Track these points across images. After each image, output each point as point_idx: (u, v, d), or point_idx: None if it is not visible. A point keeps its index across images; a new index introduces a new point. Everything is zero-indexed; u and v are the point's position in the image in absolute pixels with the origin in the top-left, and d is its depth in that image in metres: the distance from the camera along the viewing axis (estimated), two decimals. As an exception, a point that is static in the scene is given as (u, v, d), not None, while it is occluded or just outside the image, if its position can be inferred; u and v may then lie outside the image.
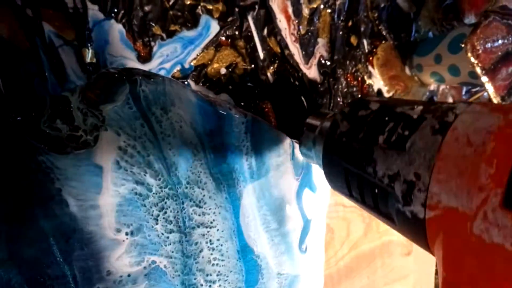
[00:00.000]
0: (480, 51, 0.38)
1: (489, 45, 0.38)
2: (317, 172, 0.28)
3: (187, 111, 0.23)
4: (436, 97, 0.50)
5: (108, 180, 0.22)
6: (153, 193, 0.23)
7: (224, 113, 0.24)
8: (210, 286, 0.25)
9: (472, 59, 0.37)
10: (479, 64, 0.38)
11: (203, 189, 0.24)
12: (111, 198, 0.22)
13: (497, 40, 0.39)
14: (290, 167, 0.27)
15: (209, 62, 0.36)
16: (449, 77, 0.44)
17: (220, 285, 0.25)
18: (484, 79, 0.38)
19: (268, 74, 0.39)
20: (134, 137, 0.22)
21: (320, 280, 0.29)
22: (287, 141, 0.27)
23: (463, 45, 0.38)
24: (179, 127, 0.23)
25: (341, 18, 0.43)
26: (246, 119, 0.25)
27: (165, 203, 0.23)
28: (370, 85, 0.45)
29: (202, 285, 0.25)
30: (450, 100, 0.51)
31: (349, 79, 0.44)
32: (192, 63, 0.35)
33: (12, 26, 0.29)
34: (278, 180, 0.26)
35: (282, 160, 0.26)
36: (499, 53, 0.39)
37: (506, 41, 0.39)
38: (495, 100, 0.39)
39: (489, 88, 0.39)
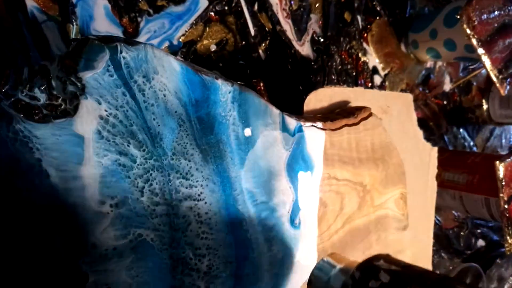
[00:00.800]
0: (476, 23, 0.37)
1: (485, 16, 0.37)
2: (310, 144, 0.27)
3: (171, 79, 0.23)
4: (433, 74, 0.49)
5: (90, 150, 0.21)
6: (138, 165, 0.22)
7: (210, 82, 0.24)
8: (199, 260, 0.25)
9: (468, 31, 0.37)
10: (475, 36, 0.37)
11: (189, 161, 0.24)
12: (94, 169, 0.21)
13: (493, 11, 0.38)
14: (279, 138, 0.26)
15: (198, 39, 0.35)
16: (445, 52, 0.43)
17: (210, 259, 0.25)
18: (481, 51, 0.37)
19: (260, 51, 0.38)
20: (116, 106, 0.21)
21: (313, 254, 0.29)
22: (276, 111, 0.26)
23: (458, 17, 0.37)
24: (163, 96, 0.22)
25: (334, -7, 0.42)
26: (233, 87, 0.24)
27: (151, 174, 0.23)
28: (365, 62, 0.45)
29: (191, 259, 0.24)
30: (447, 77, 0.51)
31: (343, 56, 0.43)
32: (180, 40, 0.34)
33: (-7, 1, 0.28)
34: (266, 151, 0.26)
35: (271, 130, 0.26)
36: (496, 25, 0.38)
37: (502, 12, 0.38)
38: (492, 73, 0.39)
39: (486, 60, 0.38)
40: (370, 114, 0.30)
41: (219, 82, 0.24)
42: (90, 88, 0.21)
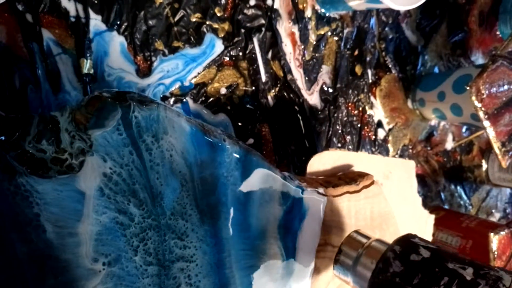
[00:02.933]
0: (484, 95, 0.37)
1: (494, 89, 0.38)
2: (310, 210, 0.27)
3: (180, 140, 0.23)
4: (436, 132, 0.50)
5: (89, 207, 0.21)
6: (135, 223, 0.22)
7: (218, 143, 0.24)
8: (186, 322, 0.24)
9: (476, 103, 0.37)
10: (483, 109, 0.37)
11: (186, 221, 0.23)
12: (91, 226, 0.21)
13: (503, 85, 0.38)
14: (277, 198, 0.26)
15: (210, 81, 0.35)
16: (450, 116, 0.43)
17: (197, 323, 0.25)
18: (486, 123, 0.38)
19: (269, 97, 0.39)
20: (121, 165, 0.21)
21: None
22: (278, 176, 0.26)
23: (468, 88, 0.37)
24: (169, 156, 0.22)
25: (348, 46, 0.42)
26: (240, 150, 0.24)
27: (147, 234, 0.22)
28: (370, 116, 0.45)
29: (178, 320, 0.24)
30: (450, 136, 0.51)
31: (349, 108, 0.43)
32: (192, 81, 0.34)
33: (10, 30, 0.28)
34: (262, 210, 0.26)
35: (270, 191, 0.26)
36: (504, 99, 0.38)
37: (510, 86, 0.39)
38: (495, 145, 0.39)
39: (491, 132, 0.38)
40: (372, 183, 0.30)
41: (227, 143, 0.24)
42: (97, 145, 0.21)
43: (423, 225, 0.37)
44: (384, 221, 0.31)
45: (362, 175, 0.30)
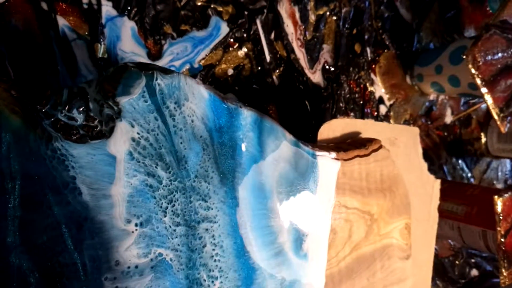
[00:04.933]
0: (480, 63, 0.39)
1: (489, 57, 0.39)
2: (323, 172, 0.28)
3: (200, 106, 0.24)
4: (435, 107, 0.51)
5: (121, 170, 0.22)
6: (163, 186, 0.23)
7: (235, 109, 0.25)
8: (212, 281, 0.25)
9: (473, 70, 0.38)
10: (479, 75, 0.39)
11: (209, 184, 0.25)
12: (123, 189, 0.22)
13: (497, 53, 0.40)
14: (290, 160, 0.27)
15: (217, 63, 0.37)
16: (449, 87, 0.45)
17: (221, 282, 0.26)
18: (484, 90, 0.39)
19: (274, 77, 0.40)
20: (148, 130, 0.22)
21: (321, 280, 0.30)
22: (290, 137, 0.27)
23: (464, 57, 0.39)
24: (191, 122, 0.24)
25: (346, 26, 0.44)
26: (254, 113, 0.26)
27: (174, 196, 0.24)
28: (371, 92, 0.46)
29: (205, 280, 0.25)
30: (449, 110, 0.52)
31: (351, 86, 0.45)
32: (201, 63, 0.36)
33: (28, 18, 0.30)
34: (275, 169, 0.27)
35: (283, 152, 0.27)
36: (499, 66, 0.40)
37: (506, 54, 0.40)
38: (494, 111, 0.40)
39: (488, 99, 0.40)
40: (380, 147, 0.31)
41: (243, 109, 0.25)
42: (125, 112, 0.22)
43: (430, 190, 0.38)
44: (394, 184, 0.32)
45: (370, 140, 0.31)
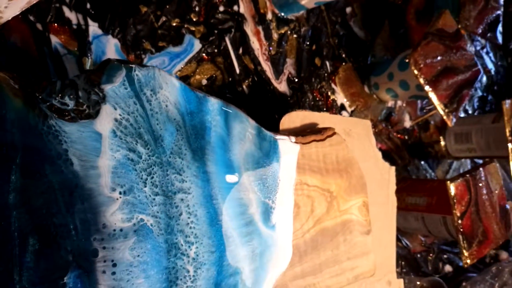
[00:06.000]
0: (421, 65, 0.45)
1: (429, 60, 0.45)
2: (284, 153, 0.33)
3: (172, 93, 0.28)
4: (394, 113, 0.57)
5: (106, 145, 0.26)
6: (143, 160, 0.27)
7: (203, 97, 0.30)
8: (189, 246, 0.29)
9: (416, 72, 0.44)
10: (422, 76, 0.44)
11: (183, 159, 0.29)
12: (108, 161, 0.26)
13: (437, 57, 0.46)
14: (254, 139, 0.32)
15: (192, 74, 0.42)
16: (400, 91, 0.51)
17: (197, 247, 0.29)
18: (427, 88, 0.45)
19: (244, 87, 0.45)
20: (128, 112, 0.27)
21: (289, 250, 0.33)
22: (253, 122, 0.32)
23: (407, 60, 0.45)
24: (165, 106, 0.28)
25: (306, 42, 0.50)
26: (220, 101, 0.30)
27: (152, 169, 0.28)
28: (334, 100, 0.52)
29: (182, 245, 0.29)
30: (407, 115, 0.58)
31: (315, 94, 0.50)
32: (177, 74, 0.41)
33: (25, 37, 0.35)
34: (241, 147, 0.31)
35: (247, 134, 0.32)
36: (439, 67, 0.46)
37: (444, 57, 0.46)
38: (439, 107, 0.46)
39: (433, 96, 0.45)
40: (334, 133, 0.36)
41: (210, 97, 0.30)
42: (109, 97, 0.26)
43: (386, 175, 0.43)
44: (349, 165, 0.36)
45: (325, 128, 0.36)
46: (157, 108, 0.28)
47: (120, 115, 0.27)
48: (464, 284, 0.57)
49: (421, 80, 0.45)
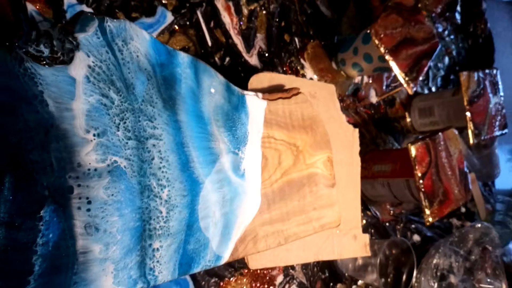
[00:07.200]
0: (382, 35, 0.48)
1: (388, 31, 0.48)
2: (251, 106, 0.35)
3: (143, 45, 0.30)
4: (360, 88, 0.60)
5: (80, 89, 0.28)
6: (115, 106, 0.29)
7: (173, 51, 0.32)
8: (161, 189, 0.31)
9: (376, 41, 0.47)
10: (382, 45, 0.47)
11: (154, 107, 0.31)
12: (82, 105, 0.28)
13: (396, 28, 0.49)
14: (223, 92, 0.34)
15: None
16: (365, 65, 0.54)
17: (169, 190, 0.31)
18: (388, 57, 0.48)
19: (216, 59, 0.47)
20: (101, 60, 0.29)
21: (257, 198, 0.35)
22: (222, 77, 0.34)
23: (368, 31, 0.48)
24: (136, 56, 0.30)
25: (275, 19, 0.53)
26: (189, 55, 0.32)
27: (125, 115, 0.29)
28: (303, 75, 0.54)
29: (155, 187, 0.30)
30: (373, 91, 0.61)
31: (285, 69, 0.53)
32: (150, 43, 0.43)
33: (1, 3, 0.36)
34: (210, 100, 0.33)
35: (216, 86, 0.34)
36: (399, 38, 0.49)
37: (403, 29, 0.49)
38: (400, 75, 0.49)
39: (393, 65, 0.48)
40: (300, 92, 0.38)
41: (179, 52, 0.32)
42: (82, 45, 0.28)
43: (350, 137, 0.45)
44: (314, 122, 0.39)
45: (291, 88, 0.38)
46: (129, 57, 0.30)
47: (93, 62, 0.28)
48: (432, 250, 0.60)
49: (382, 50, 0.48)
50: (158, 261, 0.30)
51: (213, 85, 0.34)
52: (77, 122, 0.28)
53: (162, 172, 0.31)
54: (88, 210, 0.28)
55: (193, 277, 0.42)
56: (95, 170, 0.28)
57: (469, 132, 0.56)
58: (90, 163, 0.28)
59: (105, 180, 0.28)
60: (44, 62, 0.27)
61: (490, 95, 0.60)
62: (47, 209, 0.26)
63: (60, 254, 0.26)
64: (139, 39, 0.30)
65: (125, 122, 0.29)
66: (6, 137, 0.25)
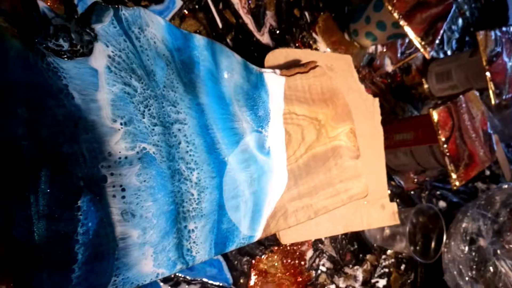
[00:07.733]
0: (395, 1, 0.47)
1: (401, -4, 0.47)
2: (271, 84, 0.35)
3: (158, 30, 0.30)
4: (375, 58, 0.59)
5: (103, 80, 0.28)
6: (139, 93, 0.29)
7: (189, 34, 0.32)
8: (191, 172, 0.31)
9: (389, 7, 0.46)
10: (396, 10, 0.46)
11: (175, 92, 0.31)
12: (106, 95, 0.28)
13: (408, -7, 0.48)
14: (242, 72, 0.34)
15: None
16: (379, 33, 0.53)
17: (198, 173, 0.31)
18: (402, 22, 0.47)
19: (228, 40, 0.47)
20: (119, 49, 0.29)
21: (284, 175, 0.36)
22: (239, 57, 0.34)
23: (381, -1, 0.46)
24: (154, 43, 0.30)
25: (284, -6, 0.52)
26: (205, 38, 0.32)
27: (148, 102, 0.30)
28: (316, 49, 0.54)
29: (184, 171, 0.31)
30: (388, 60, 0.60)
31: (297, 45, 0.52)
32: (162, 30, 0.43)
33: (14, 3, 0.36)
34: (230, 82, 0.33)
35: (235, 67, 0.34)
36: (412, 2, 0.48)
37: (416, -7, 0.48)
38: (416, 40, 0.48)
39: (408, 30, 0.47)
40: (317, 65, 0.38)
41: (195, 34, 0.32)
42: (100, 36, 0.28)
43: (371, 107, 0.45)
44: (334, 95, 0.39)
45: (308, 62, 0.38)
46: (146, 44, 0.30)
47: (112, 51, 0.29)
48: (459, 216, 0.59)
49: (396, 15, 0.47)
50: (194, 242, 0.30)
51: (231, 65, 0.34)
52: (103, 112, 0.28)
53: (190, 155, 0.31)
54: (123, 197, 0.28)
55: (226, 257, 0.43)
56: (126, 158, 0.28)
57: (490, 92, 0.55)
58: (120, 152, 0.28)
59: (136, 167, 0.29)
60: (65, 56, 0.27)
61: (509, 53, 0.58)
62: (84, 199, 0.27)
63: (101, 241, 0.27)
64: (155, 25, 0.30)
65: (149, 109, 0.30)
66: (38, 132, 0.26)
